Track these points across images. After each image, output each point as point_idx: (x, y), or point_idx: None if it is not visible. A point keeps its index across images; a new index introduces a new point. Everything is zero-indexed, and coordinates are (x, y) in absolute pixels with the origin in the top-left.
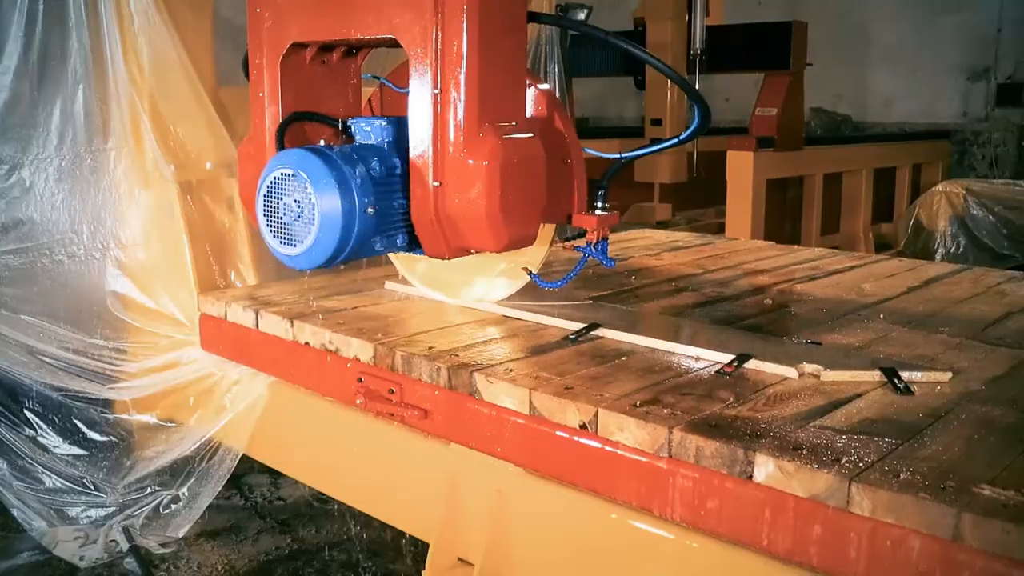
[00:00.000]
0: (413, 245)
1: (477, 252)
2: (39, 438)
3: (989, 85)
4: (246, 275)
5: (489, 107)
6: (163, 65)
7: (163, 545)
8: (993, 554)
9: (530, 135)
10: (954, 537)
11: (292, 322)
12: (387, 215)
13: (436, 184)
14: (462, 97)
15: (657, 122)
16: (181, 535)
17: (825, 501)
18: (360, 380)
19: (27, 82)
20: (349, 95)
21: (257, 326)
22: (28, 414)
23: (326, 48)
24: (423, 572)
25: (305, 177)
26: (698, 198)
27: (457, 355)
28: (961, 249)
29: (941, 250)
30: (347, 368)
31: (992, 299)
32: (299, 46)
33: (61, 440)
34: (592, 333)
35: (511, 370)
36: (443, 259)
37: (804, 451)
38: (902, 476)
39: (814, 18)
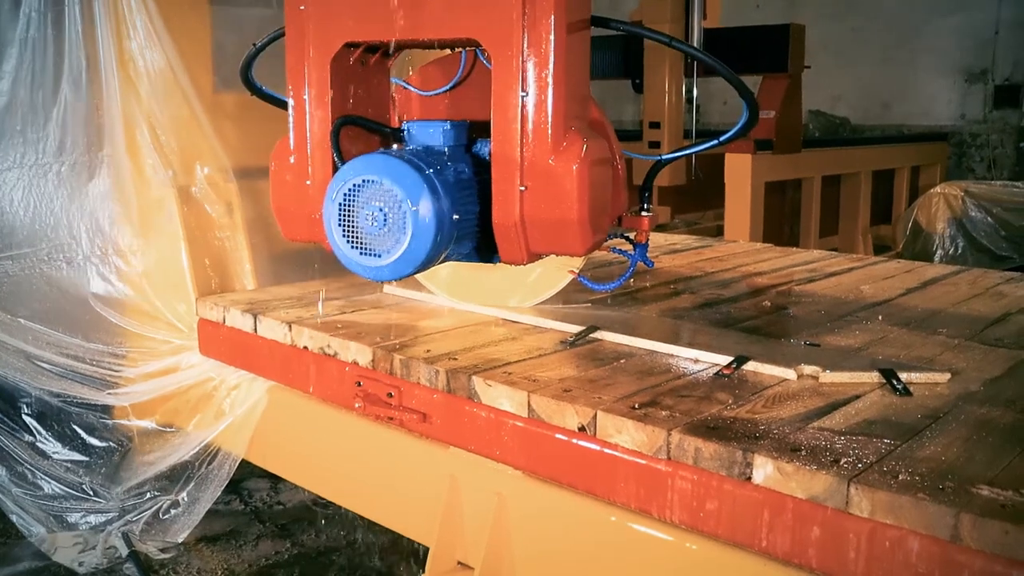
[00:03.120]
0: (481, 251)
1: (551, 256)
2: (38, 444)
3: (987, 87)
4: (244, 279)
5: (571, 110)
6: (160, 71)
7: (162, 550)
8: (992, 554)
9: (600, 137)
10: (953, 538)
11: (291, 326)
12: (464, 221)
13: (522, 188)
14: (550, 100)
15: (655, 125)
16: (180, 540)
17: (824, 502)
18: (359, 384)
19: (25, 88)
20: (382, 97)
21: (256, 330)
22: (27, 420)
23: (370, 49)
24: None
25: (393, 184)
26: (697, 201)
27: (455, 358)
28: (959, 251)
29: (939, 252)
30: (346, 372)
31: (990, 300)
32: (348, 46)
33: (60, 446)
34: (591, 336)
35: (510, 373)
36: (519, 264)
37: (803, 452)
38: (901, 477)
39: (811, 20)
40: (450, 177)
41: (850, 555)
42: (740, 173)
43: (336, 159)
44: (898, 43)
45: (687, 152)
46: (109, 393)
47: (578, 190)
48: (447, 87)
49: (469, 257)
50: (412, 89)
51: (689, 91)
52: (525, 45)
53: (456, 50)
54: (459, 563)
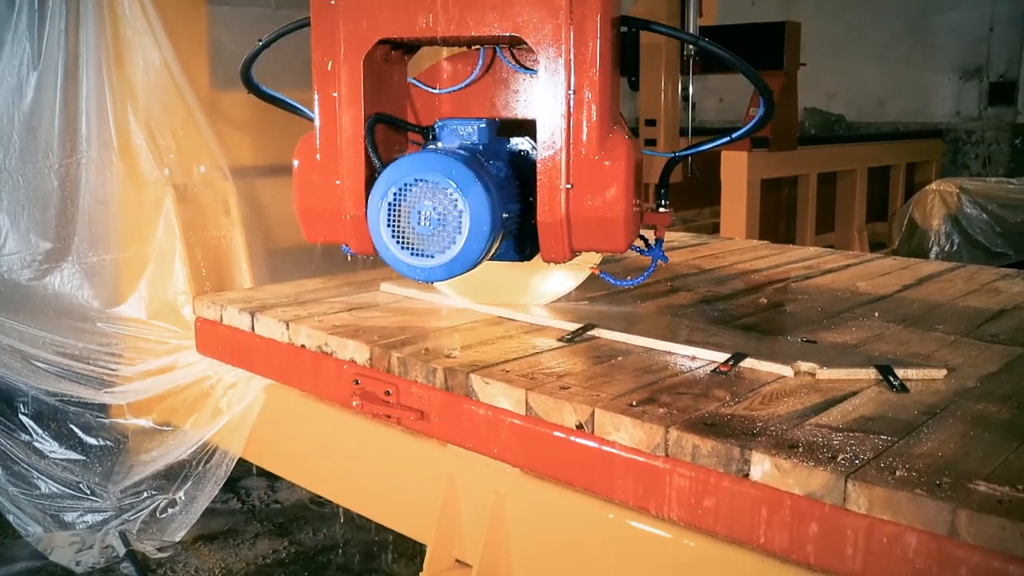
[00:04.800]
0: (517, 249)
1: (589, 253)
2: (35, 443)
3: (982, 84)
4: (241, 278)
5: (612, 107)
6: (156, 69)
7: (160, 549)
8: (989, 550)
9: (632, 135)
10: (950, 533)
11: (288, 325)
12: (509, 219)
13: (568, 186)
14: (596, 98)
15: (651, 123)
16: (178, 539)
17: (821, 499)
18: (356, 382)
19: (17, 88)
20: (402, 94)
21: (253, 329)
22: (24, 419)
23: (398, 46)
24: (420, 574)
25: (448, 182)
26: (693, 198)
27: (453, 356)
28: (955, 247)
29: (935, 249)
30: (343, 370)
31: (986, 296)
32: (380, 43)
33: (57, 445)
34: (588, 333)
35: (507, 371)
36: (558, 263)
37: (800, 449)
38: (898, 473)
39: (807, 18)
40: (494, 175)
41: (848, 551)
42: (736, 170)
43: (373, 158)
44: (893, 40)
45: (702, 148)
46: (106, 392)
47: (625, 187)
48: (462, 84)
49: (504, 256)
50: (422, 87)
51: (685, 89)
52: (571, 42)
53: (473, 47)
54: (457, 561)
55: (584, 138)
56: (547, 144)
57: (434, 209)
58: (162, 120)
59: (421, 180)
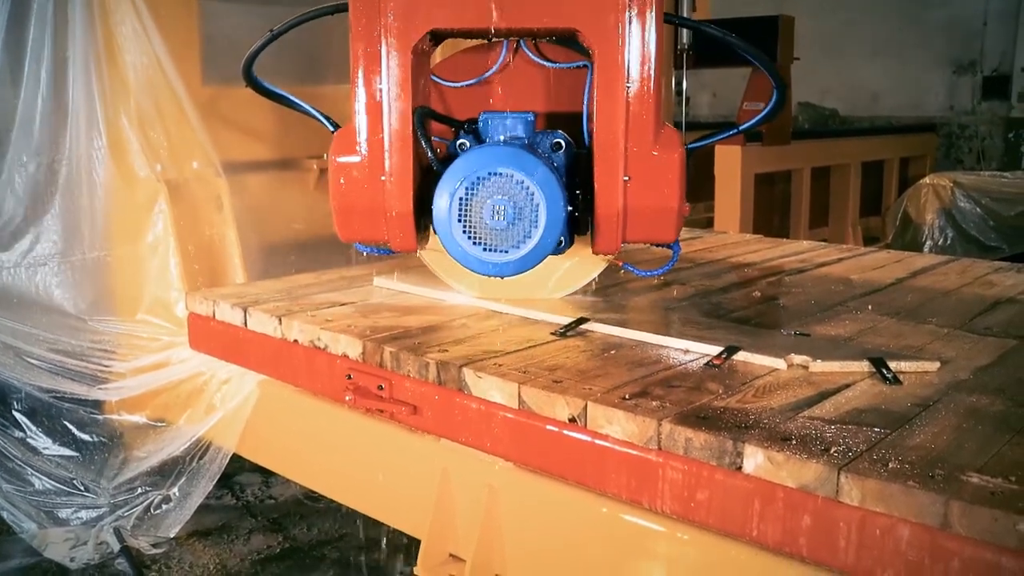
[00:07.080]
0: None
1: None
2: (28, 440)
3: (975, 78)
4: (234, 273)
5: (662, 101)
6: (147, 65)
7: (154, 545)
8: (982, 542)
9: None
10: (943, 525)
11: (281, 320)
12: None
13: (626, 178)
14: (652, 91)
15: None
16: (172, 535)
17: (814, 491)
18: (349, 377)
19: (9, 84)
20: (427, 87)
21: (246, 324)
22: (17, 415)
23: (436, 37)
24: (415, 569)
25: (525, 176)
26: (687, 192)
27: (446, 350)
28: (949, 241)
29: (929, 242)
30: (336, 365)
31: (979, 289)
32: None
33: (51, 441)
34: (581, 327)
35: (500, 364)
36: (608, 254)
37: (793, 441)
38: (891, 465)
39: (801, 12)
40: (557, 168)
41: (840, 543)
42: (730, 165)
43: (428, 152)
44: (887, 35)
45: (711, 140)
46: (99, 388)
47: (679, 179)
48: (480, 78)
49: (555, 248)
50: (440, 81)
51: (678, 83)
52: (630, 37)
53: (493, 40)
54: (451, 555)
55: (641, 131)
56: (605, 137)
57: (509, 203)
58: (154, 116)
59: (496, 174)
